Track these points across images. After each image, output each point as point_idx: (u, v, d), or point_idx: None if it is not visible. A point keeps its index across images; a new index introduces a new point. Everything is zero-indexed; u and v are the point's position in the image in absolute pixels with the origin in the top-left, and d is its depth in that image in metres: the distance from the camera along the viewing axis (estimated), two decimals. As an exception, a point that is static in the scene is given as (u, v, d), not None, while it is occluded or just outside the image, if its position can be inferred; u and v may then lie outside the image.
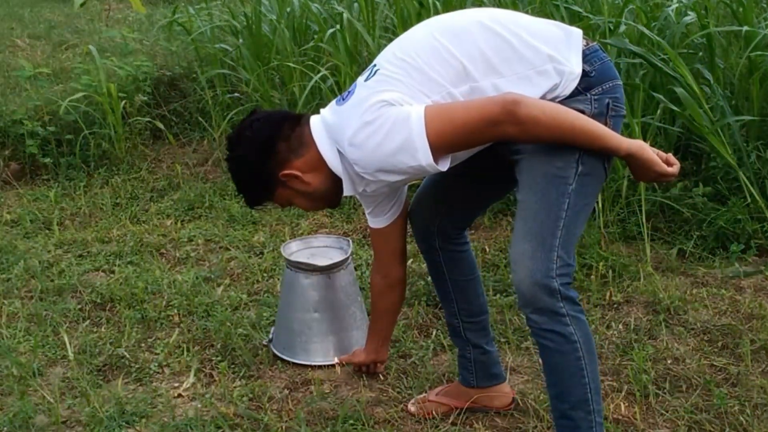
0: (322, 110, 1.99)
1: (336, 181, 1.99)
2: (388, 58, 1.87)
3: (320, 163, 1.95)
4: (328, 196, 2.05)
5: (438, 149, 1.76)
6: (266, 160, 1.97)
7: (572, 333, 1.80)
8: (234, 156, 2.02)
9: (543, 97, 1.79)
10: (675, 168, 1.84)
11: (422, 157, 1.75)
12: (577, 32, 1.87)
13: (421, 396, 2.37)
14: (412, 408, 2.33)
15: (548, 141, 1.77)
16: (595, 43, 1.89)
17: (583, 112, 1.79)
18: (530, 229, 1.80)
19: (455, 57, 1.80)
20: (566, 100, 1.81)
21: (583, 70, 1.81)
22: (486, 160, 1.95)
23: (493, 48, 1.80)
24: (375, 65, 1.88)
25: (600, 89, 1.83)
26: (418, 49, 1.83)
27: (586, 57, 1.83)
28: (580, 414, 1.84)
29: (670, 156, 1.86)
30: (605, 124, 1.81)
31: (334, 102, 1.96)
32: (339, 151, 1.91)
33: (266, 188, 2.03)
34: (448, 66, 1.80)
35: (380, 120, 1.76)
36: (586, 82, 1.82)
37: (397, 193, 2.13)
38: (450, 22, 1.89)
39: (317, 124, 1.97)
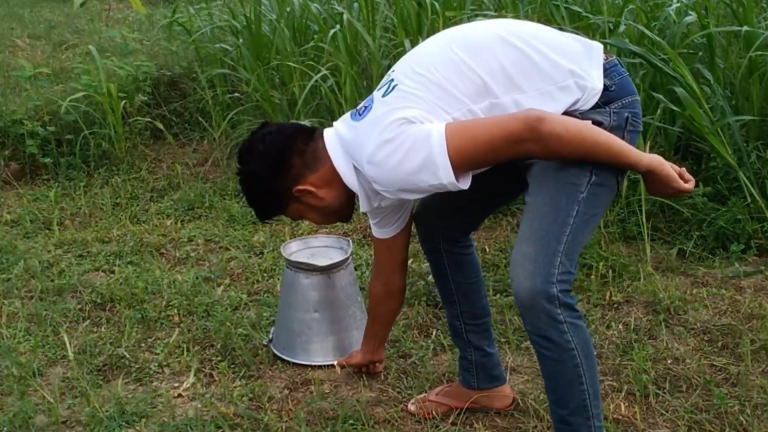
0: (335, 123, 1.96)
1: (350, 196, 1.98)
2: (405, 72, 1.83)
3: (335, 178, 1.93)
4: (341, 211, 2.04)
5: (459, 167, 1.73)
6: (279, 174, 1.95)
7: (569, 341, 1.77)
8: (246, 170, 1.99)
9: (564, 112, 1.78)
10: (691, 184, 1.83)
11: (444, 175, 1.73)
12: (597, 46, 1.85)
13: (421, 396, 2.37)
14: (412, 408, 2.33)
15: (570, 157, 1.75)
16: (614, 57, 1.88)
17: (601, 124, 1.78)
18: (535, 231, 1.78)
19: (475, 72, 1.77)
20: (585, 112, 1.79)
21: (603, 85, 1.80)
22: (496, 177, 1.93)
23: (513, 62, 1.78)
24: (392, 79, 1.84)
25: (620, 103, 1.81)
26: (436, 62, 1.80)
27: (606, 71, 1.82)
28: (578, 419, 1.83)
29: (684, 171, 1.84)
30: (622, 138, 1.79)
31: (348, 116, 1.92)
32: (355, 167, 1.89)
33: (279, 202, 2.01)
34: (468, 81, 1.77)
35: (400, 138, 1.73)
36: (606, 96, 1.80)
37: (405, 206, 2.11)
38: (468, 34, 1.86)
39: (331, 138, 1.94)
